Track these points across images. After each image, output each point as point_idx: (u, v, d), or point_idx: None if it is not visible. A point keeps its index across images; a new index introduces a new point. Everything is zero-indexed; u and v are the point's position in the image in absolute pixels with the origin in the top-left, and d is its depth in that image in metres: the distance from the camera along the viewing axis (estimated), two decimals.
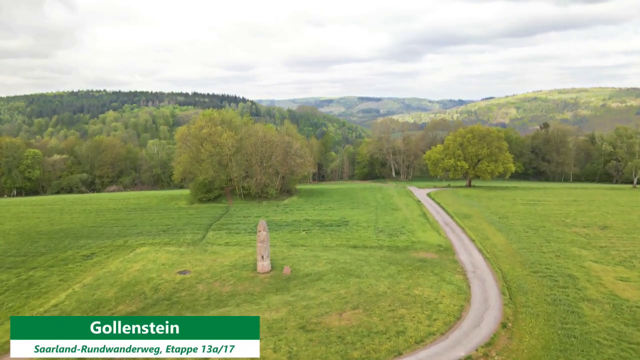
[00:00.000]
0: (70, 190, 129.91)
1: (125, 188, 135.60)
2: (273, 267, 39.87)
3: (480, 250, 43.41)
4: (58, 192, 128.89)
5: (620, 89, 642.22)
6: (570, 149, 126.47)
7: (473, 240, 46.52)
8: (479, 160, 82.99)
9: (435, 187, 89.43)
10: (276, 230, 52.39)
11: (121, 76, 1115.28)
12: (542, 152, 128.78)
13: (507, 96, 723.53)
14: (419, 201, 70.16)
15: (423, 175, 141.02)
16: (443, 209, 63.25)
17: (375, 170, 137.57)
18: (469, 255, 42.45)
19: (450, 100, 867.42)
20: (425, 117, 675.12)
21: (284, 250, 45.10)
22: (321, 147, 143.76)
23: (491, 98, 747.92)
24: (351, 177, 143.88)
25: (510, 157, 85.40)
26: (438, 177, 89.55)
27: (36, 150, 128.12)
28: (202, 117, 75.63)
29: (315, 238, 49.13)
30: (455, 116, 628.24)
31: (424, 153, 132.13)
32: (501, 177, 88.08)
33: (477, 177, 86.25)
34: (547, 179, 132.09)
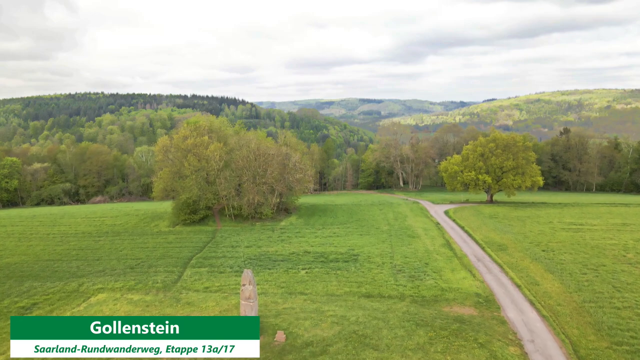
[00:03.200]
0: (51, 202, 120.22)
1: (112, 199, 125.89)
2: (262, 331, 29.90)
3: (532, 303, 33.47)
4: (38, 204, 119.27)
5: (625, 90, 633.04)
6: (593, 157, 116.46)
7: (519, 287, 36.53)
8: (503, 173, 72.98)
9: (452, 202, 79.30)
10: (269, 269, 42.44)
11: (122, 78, 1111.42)
12: (562, 160, 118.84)
13: (509, 98, 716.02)
14: (438, 223, 60.14)
15: (433, 185, 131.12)
16: (469, 235, 53.25)
17: (381, 179, 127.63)
18: (519, 311, 32.49)
19: (452, 102, 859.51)
20: (427, 119, 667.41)
21: (278, 300, 35.18)
22: (323, 154, 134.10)
23: (493, 100, 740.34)
24: (355, 187, 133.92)
25: (538, 169, 75.44)
26: (455, 189, 79.24)
27: (14, 159, 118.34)
28: (186, 125, 65.69)
29: (318, 281, 39.19)
30: (457, 118, 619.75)
31: (434, 161, 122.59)
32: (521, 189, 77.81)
33: (500, 190, 76.38)
34: (568, 189, 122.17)
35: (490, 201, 78.47)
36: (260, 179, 62.04)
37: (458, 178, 75.24)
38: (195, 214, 61.40)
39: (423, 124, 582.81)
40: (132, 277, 41.12)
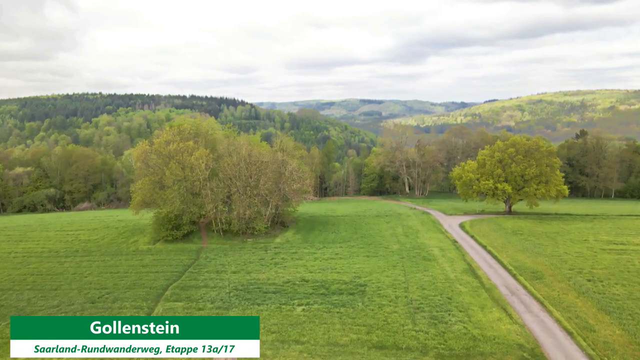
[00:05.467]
0: (34, 209, 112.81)
1: (99, 205, 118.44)
2: None
3: None
4: (20, 211, 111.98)
5: (628, 91, 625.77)
6: (612, 161, 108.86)
7: (571, 334, 28.99)
8: (524, 182, 65.47)
9: (466, 213, 71.67)
10: (259, 304, 34.95)
11: (122, 79, 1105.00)
12: (579, 164, 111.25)
13: (510, 98, 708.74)
14: (455, 241, 52.61)
15: (440, 190, 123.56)
16: (494, 257, 45.71)
17: (385, 184, 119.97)
18: None
19: (453, 103, 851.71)
20: (429, 120, 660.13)
21: (267, 352, 27.73)
22: (323, 157, 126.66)
23: (494, 100, 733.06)
24: (357, 192, 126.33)
25: (562, 176, 68.02)
26: (470, 199, 71.72)
27: None
28: (168, 129, 58.25)
29: (318, 323, 31.67)
30: (459, 119, 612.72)
31: (442, 165, 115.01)
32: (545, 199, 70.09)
33: (520, 200, 68.93)
34: (585, 195, 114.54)
35: (509, 212, 70.91)
36: (252, 190, 54.55)
37: (474, 187, 67.73)
38: (178, 229, 53.88)
39: (424, 125, 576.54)
40: None
